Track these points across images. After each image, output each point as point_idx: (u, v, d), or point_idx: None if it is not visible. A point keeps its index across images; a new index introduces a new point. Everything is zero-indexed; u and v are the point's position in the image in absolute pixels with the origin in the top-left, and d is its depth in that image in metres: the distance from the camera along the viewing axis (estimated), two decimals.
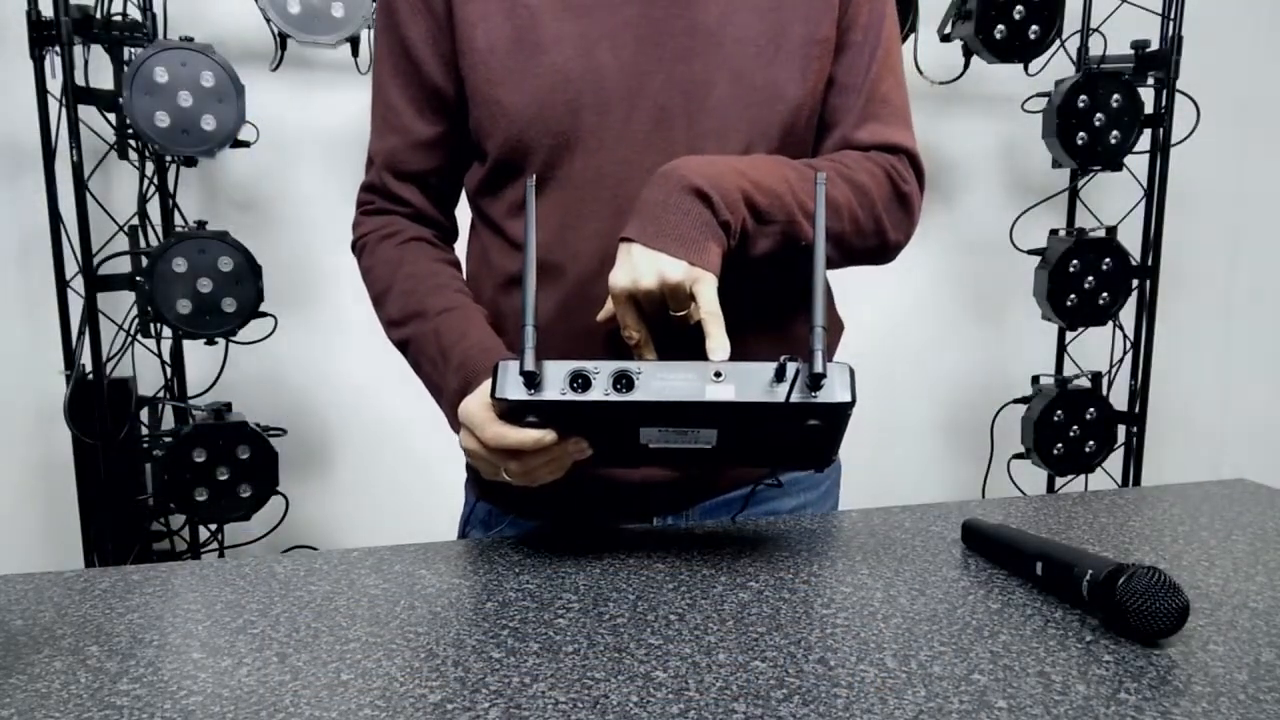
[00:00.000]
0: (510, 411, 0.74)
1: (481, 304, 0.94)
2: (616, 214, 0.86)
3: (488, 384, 0.76)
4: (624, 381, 0.71)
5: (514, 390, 0.72)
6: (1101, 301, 2.24)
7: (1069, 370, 2.38)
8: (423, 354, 0.91)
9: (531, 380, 0.71)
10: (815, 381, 0.71)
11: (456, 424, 0.84)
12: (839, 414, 0.74)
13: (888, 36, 0.94)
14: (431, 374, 0.90)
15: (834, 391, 0.71)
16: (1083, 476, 2.42)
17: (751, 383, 0.71)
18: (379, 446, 2.29)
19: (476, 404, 0.79)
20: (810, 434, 0.76)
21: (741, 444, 0.79)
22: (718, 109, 0.87)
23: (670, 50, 0.87)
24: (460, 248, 1.03)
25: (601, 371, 0.72)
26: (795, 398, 0.71)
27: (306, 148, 2.13)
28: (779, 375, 0.71)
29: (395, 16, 0.92)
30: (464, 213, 1.02)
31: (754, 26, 0.88)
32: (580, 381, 0.71)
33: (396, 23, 0.92)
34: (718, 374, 0.71)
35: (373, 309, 0.97)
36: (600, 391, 0.71)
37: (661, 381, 0.71)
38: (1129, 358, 2.37)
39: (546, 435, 0.75)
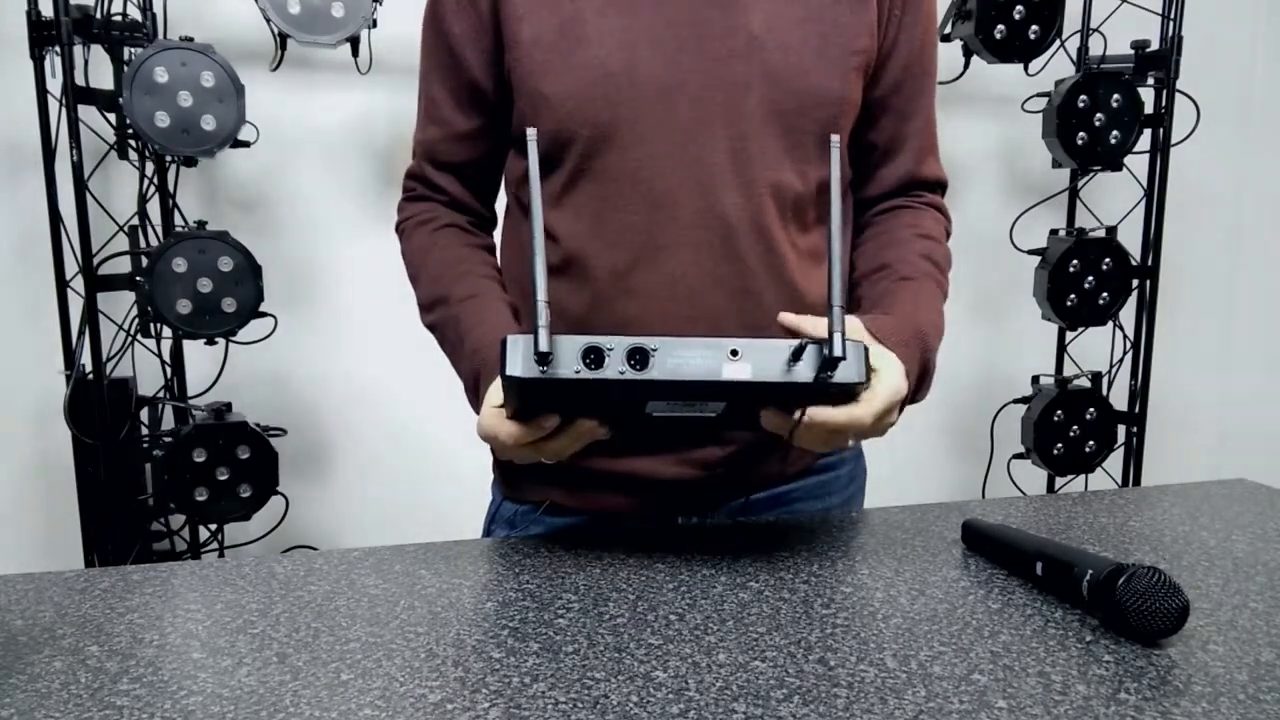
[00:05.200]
0: (517, 389, 0.71)
1: (518, 292, 0.96)
2: (651, 208, 0.88)
3: (494, 389, 0.76)
4: (638, 358, 0.69)
5: (524, 367, 0.69)
6: (1101, 301, 2.24)
7: (1069, 370, 2.38)
8: (445, 339, 0.95)
9: (544, 360, 0.68)
10: (833, 363, 0.70)
11: (477, 406, 0.87)
12: (852, 395, 0.74)
13: (933, 64, 1.00)
14: (452, 358, 0.94)
15: (848, 372, 0.71)
16: (1083, 476, 2.42)
17: (768, 362, 0.70)
18: (379, 446, 2.29)
19: (488, 413, 0.81)
20: None
21: (746, 416, 0.79)
22: (756, 112, 0.89)
23: (711, 51, 0.88)
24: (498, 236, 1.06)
25: (616, 348, 0.69)
26: (810, 378, 0.70)
27: (306, 148, 2.13)
28: (796, 356, 0.70)
29: (440, 10, 0.95)
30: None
31: (795, 34, 0.89)
32: (594, 358, 0.69)
33: (441, 16, 0.94)
34: (734, 352, 0.70)
35: (409, 277, 1.02)
36: (614, 369, 0.69)
37: (677, 359, 0.69)
38: (1129, 358, 2.37)
39: (550, 421, 0.77)
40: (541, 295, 0.68)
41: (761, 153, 0.89)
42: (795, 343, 0.71)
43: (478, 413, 0.85)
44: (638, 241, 0.88)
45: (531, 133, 0.74)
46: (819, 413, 0.75)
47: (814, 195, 0.93)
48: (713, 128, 0.88)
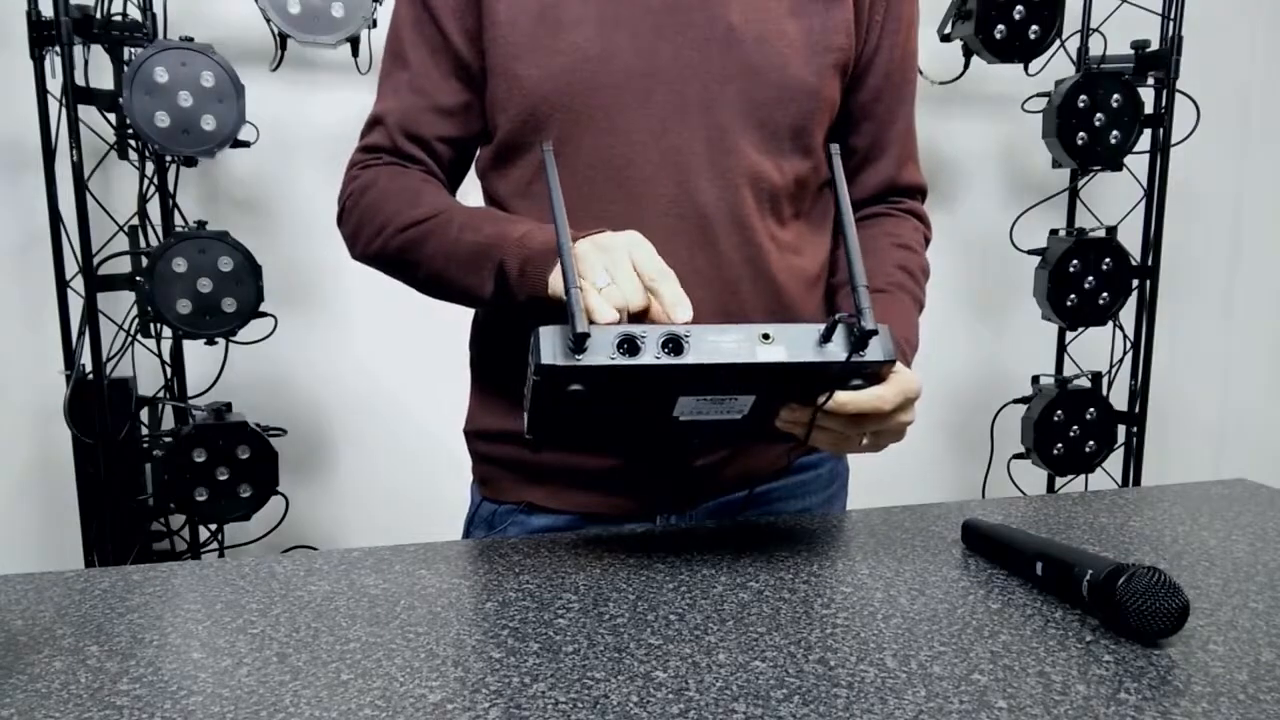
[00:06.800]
0: (552, 379, 0.69)
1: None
2: (627, 198, 0.87)
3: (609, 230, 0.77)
4: (672, 345, 0.69)
5: (561, 356, 0.68)
6: (1101, 301, 2.24)
7: (1069, 370, 2.38)
8: (445, 231, 0.87)
9: (581, 343, 0.67)
10: (863, 340, 0.70)
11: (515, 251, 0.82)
12: (879, 378, 0.75)
13: (914, 71, 1.00)
14: (481, 227, 0.86)
15: (879, 349, 0.72)
16: (1083, 476, 2.42)
17: (800, 343, 0.70)
18: (379, 446, 2.29)
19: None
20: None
21: (771, 414, 0.79)
22: (733, 104, 0.89)
23: (690, 41, 0.88)
24: None
25: (649, 336, 0.69)
26: (843, 356, 0.70)
27: (306, 148, 2.13)
28: (826, 336, 0.71)
29: None
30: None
31: (773, 28, 0.89)
32: (628, 345, 0.68)
33: None
34: (766, 335, 0.70)
35: (364, 236, 0.93)
36: (650, 356, 0.68)
37: (711, 344, 0.69)
38: (1129, 358, 2.36)
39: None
40: (574, 281, 0.68)
41: (738, 144, 0.89)
42: (824, 325, 0.71)
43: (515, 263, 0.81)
44: (611, 228, 0.86)
45: (548, 145, 0.75)
46: (842, 397, 0.75)
47: (791, 189, 0.93)
48: (689, 117, 0.88)
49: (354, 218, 0.95)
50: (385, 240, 0.91)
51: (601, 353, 0.68)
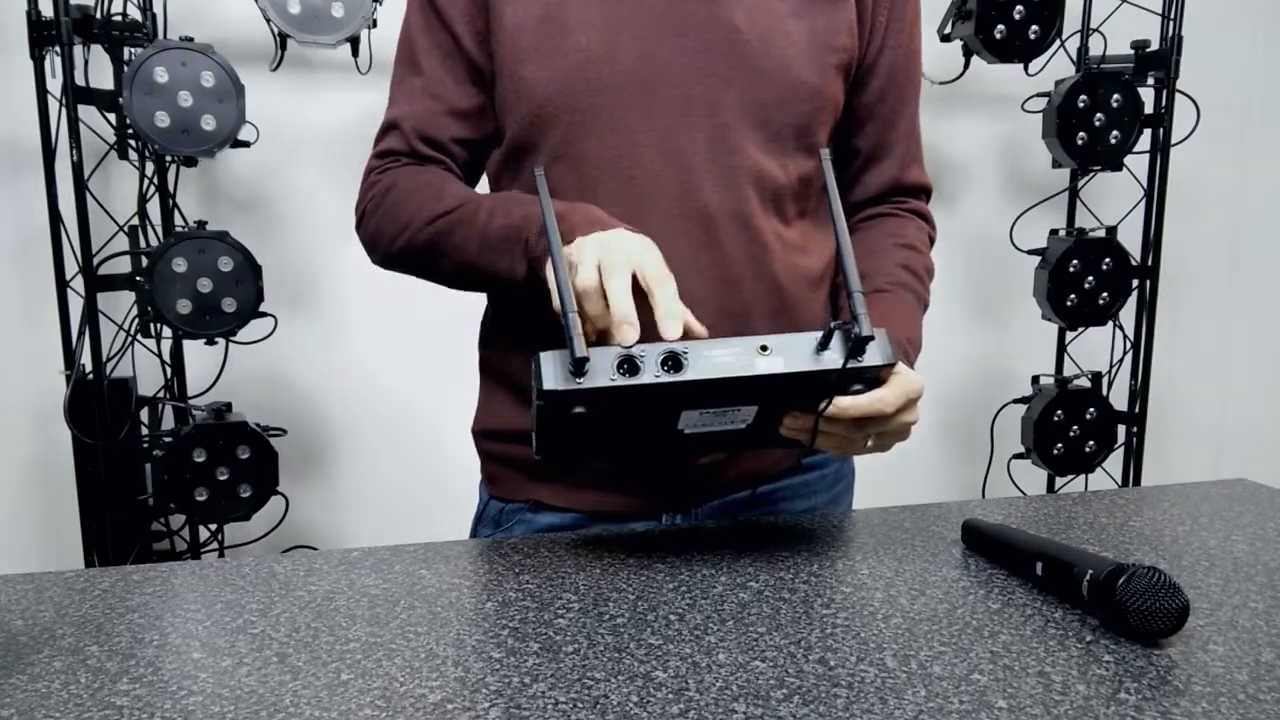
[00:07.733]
0: (555, 403, 0.70)
1: (507, 298, 0.95)
2: (632, 197, 0.88)
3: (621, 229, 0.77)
4: (672, 362, 0.69)
5: (562, 380, 0.68)
6: (1101, 301, 2.24)
7: (1069, 370, 2.38)
8: (472, 218, 0.87)
9: (581, 368, 0.68)
10: (860, 346, 0.71)
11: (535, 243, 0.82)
12: (879, 382, 0.75)
13: (918, 71, 1.01)
14: (512, 211, 0.86)
15: (877, 354, 0.72)
16: (1083, 476, 2.42)
17: (798, 353, 0.71)
18: (379, 446, 2.29)
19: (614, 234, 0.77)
20: None
21: (775, 422, 0.79)
22: (736, 104, 0.89)
23: (693, 42, 0.88)
24: None
25: (648, 355, 0.69)
26: (840, 363, 0.71)
27: (306, 148, 2.13)
28: (824, 344, 0.71)
29: None
30: None
31: (776, 29, 0.90)
32: (627, 366, 0.69)
33: None
34: (764, 347, 0.70)
35: (387, 236, 0.93)
36: (650, 374, 0.69)
37: (710, 359, 0.70)
38: (1129, 358, 2.37)
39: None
40: (572, 306, 0.69)
41: (742, 144, 0.90)
42: (820, 333, 0.71)
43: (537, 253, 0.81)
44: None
45: (540, 170, 0.75)
46: (844, 402, 0.75)
47: (795, 188, 0.94)
48: (693, 118, 0.89)
49: (375, 220, 0.95)
50: (412, 235, 0.91)
51: (602, 375, 0.69)
